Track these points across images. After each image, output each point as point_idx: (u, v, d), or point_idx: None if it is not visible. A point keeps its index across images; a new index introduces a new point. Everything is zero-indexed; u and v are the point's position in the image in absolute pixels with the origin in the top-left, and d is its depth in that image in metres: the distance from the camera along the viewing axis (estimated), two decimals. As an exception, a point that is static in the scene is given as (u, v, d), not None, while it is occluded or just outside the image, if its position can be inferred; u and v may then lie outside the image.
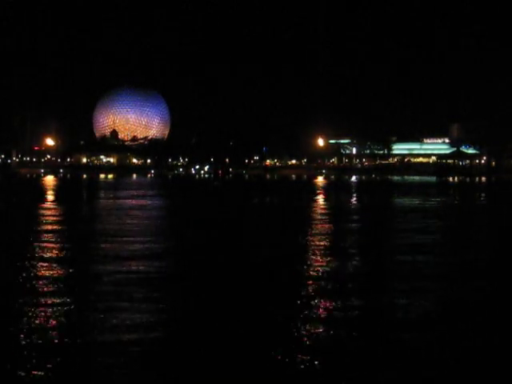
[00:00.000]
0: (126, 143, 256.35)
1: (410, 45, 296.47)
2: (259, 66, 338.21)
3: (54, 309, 15.59)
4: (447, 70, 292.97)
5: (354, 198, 70.22)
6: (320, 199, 65.64)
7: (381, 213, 48.53)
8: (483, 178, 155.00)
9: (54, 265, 21.91)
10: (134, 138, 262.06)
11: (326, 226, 36.35)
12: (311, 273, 20.70)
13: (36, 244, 26.97)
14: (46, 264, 21.93)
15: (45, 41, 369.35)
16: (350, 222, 39.06)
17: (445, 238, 32.39)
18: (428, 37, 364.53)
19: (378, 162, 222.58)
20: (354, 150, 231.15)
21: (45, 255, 23.90)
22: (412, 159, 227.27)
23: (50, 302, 16.36)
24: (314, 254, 24.74)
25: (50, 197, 67.88)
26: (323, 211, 48.42)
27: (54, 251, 25.09)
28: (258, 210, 51.04)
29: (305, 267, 21.66)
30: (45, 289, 17.98)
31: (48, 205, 52.88)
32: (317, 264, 22.46)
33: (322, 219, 40.21)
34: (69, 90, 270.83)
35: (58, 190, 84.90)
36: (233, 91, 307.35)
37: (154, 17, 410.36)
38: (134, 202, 57.47)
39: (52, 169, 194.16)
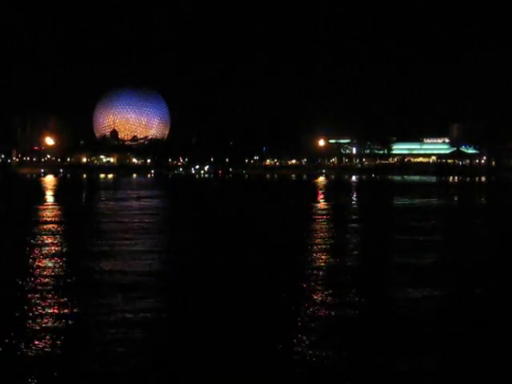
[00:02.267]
0: (126, 143, 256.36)
1: (409, 45, 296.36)
2: (259, 65, 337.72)
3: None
4: (447, 70, 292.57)
5: (354, 198, 70.19)
6: (319, 199, 65.59)
7: (380, 213, 48.50)
8: (483, 178, 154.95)
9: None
10: (134, 138, 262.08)
11: (324, 225, 36.37)
12: (308, 271, 20.70)
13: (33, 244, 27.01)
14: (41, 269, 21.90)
15: (45, 41, 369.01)
16: (346, 222, 39.07)
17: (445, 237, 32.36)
18: (428, 37, 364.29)
19: (378, 161, 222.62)
20: (354, 150, 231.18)
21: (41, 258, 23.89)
22: (412, 159, 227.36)
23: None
24: (310, 255, 24.75)
25: (50, 197, 67.81)
26: (322, 211, 48.41)
27: (51, 255, 25.08)
28: (256, 209, 50.98)
29: (300, 267, 21.66)
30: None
31: (47, 205, 52.87)
32: (313, 265, 22.45)
33: (319, 219, 40.20)
34: (69, 90, 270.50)
35: (57, 190, 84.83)
36: (233, 91, 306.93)
37: (154, 17, 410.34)
38: (134, 202, 57.44)
39: (52, 169, 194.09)
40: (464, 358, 12.55)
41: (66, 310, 15.57)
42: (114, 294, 17.37)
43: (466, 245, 29.31)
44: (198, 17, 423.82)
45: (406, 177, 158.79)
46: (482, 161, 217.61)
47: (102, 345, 12.85)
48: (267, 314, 15.44)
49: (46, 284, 18.56)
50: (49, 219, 38.62)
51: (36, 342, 12.85)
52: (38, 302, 16.29)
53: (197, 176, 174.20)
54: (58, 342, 12.97)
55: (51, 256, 23.81)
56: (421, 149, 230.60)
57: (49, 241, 28.19)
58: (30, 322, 14.45)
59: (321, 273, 20.84)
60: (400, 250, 26.57)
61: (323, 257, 24.41)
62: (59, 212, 46.44)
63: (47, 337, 13.24)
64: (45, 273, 20.34)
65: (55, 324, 14.33)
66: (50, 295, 17.11)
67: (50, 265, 21.88)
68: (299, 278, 19.83)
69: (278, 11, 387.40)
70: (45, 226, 34.21)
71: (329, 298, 17.20)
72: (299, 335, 13.60)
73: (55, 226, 34.98)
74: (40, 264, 21.98)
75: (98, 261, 22.76)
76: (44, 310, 15.53)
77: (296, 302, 16.50)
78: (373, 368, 11.94)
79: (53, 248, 25.97)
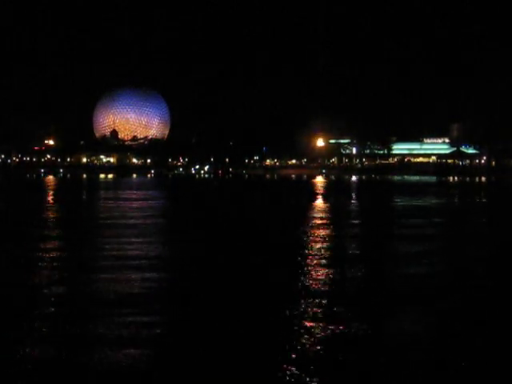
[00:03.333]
0: (126, 143, 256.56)
1: (409, 45, 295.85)
2: (259, 65, 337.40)
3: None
4: (447, 70, 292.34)
5: (353, 198, 70.19)
6: (319, 199, 65.58)
7: (380, 213, 48.50)
8: (483, 178, 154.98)
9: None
10: (134, 138, 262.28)
11: (323, 224, 36.35)
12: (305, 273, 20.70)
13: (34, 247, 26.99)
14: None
15: (45, 41, 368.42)
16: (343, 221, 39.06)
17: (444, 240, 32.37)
18: (428, 37, 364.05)
19: (378, 161, 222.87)
20: (354, 150, 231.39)
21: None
22: (412, 159, 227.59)
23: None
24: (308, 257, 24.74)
25: (50, 197, 67.81)
26: (321, 211, 48.40)
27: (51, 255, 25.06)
28: (256, 209, 50.98)
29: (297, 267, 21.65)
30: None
31: (47, 205, 52.88)
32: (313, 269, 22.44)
33: (319, 219, 40.18)
34: (69, 90, 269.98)
35: (57, 190, 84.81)
36: (233, 91, 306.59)
37: (154, 17, 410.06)
38: (134, 203, 57.46)
39: (52, 169, 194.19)
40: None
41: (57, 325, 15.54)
42: (112, 293, 17.37)
43: (465, 245, 29.31)
44: (198, 17, 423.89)
45: (406, 177, 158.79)
46: (482, 161, 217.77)
47: (101, 342, 12.85)
48: (266, 314, 15.42)
49: (44, 286, 18.58)
50: (47, 220, 38.62)
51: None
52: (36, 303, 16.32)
53: (197, 176, 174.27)
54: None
55: (50, 258, 23.83)
56: (421, 149, 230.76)
57: (48, 243, 28.20)
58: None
59: (320, 272, 20.82)
60: (399, 252, 26.57)
61: (321, 256, 24.37)
62: (58, 213, 46.43)
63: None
64: (42, 275, 20.34)
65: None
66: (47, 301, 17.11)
67: (49, 268, 21.88)
68: (298, 277, 19.81)
69: (278, 11, 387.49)
70: (43, 226, 34.24)
71: (327, 296, 17.19)
72: (299, 335, 13.58)
73: (54, 226, 35.00)
74: (38, 267, 21.98)
75: (94, 263, 22.75)
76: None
77: (295, 301, 16.47)
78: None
79: (52, 249, 25.98)
